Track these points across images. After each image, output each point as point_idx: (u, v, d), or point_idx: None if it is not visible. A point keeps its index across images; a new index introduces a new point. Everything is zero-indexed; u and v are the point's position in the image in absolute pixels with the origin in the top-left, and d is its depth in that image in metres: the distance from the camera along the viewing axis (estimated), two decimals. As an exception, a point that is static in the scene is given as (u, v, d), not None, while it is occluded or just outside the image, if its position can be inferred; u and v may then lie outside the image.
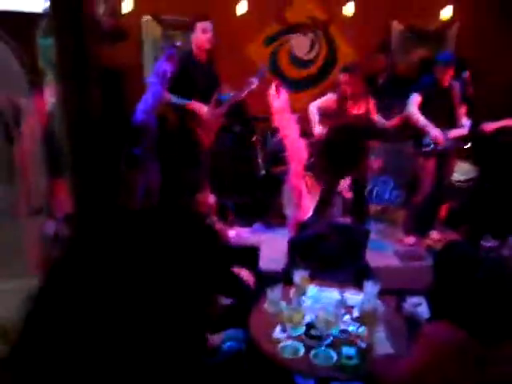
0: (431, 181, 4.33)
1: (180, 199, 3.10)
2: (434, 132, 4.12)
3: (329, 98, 4.18)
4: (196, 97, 3.92)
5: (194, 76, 3.90)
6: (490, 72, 5.13)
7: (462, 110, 4.24)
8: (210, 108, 3.98)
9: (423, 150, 4.26)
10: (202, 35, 3.91)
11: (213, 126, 4.07)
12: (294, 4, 5.66)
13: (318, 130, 4.05)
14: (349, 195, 4.57)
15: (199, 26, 3.95)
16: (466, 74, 4.01)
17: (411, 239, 4.50)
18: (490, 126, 4.08)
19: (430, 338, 1.69)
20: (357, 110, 4.08)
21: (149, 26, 5.54)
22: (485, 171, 4.53)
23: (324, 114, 4.15)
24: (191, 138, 3.93)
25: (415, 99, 4.22)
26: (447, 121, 4.18)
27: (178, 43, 3.82)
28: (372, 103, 4.22)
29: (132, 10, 5.25)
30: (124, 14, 5.24)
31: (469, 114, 4.21)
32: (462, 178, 5.02)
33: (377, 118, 4.26)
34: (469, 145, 4.40)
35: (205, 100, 3.97)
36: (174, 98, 3.83)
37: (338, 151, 4.14)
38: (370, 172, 4.58)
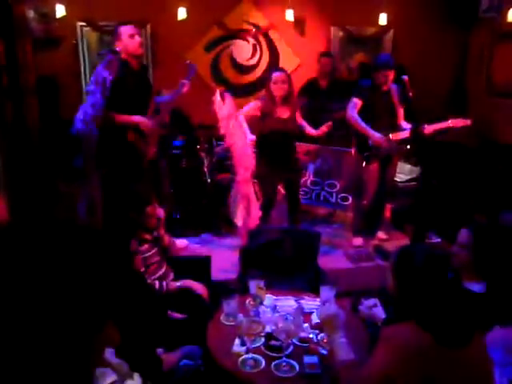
0: (376, 183, 4.40)
1: (127, 214, 2.94)
2: (375, 136, 4.16)
3: (254, 106, 4.08)
4: (132, 106, 3.72)
5: (129, 84, 3.69)
6: (425, 76, 5.34)
7: (401, 112, 4.33)
8: (149, 118, 3.79)
9: (365, 154, 4.31)
10: (129, 40, 3.63)
11: (154, 137, 3.90)
12: (234, 10, 5.63)
13: (250, 137, 4.00)
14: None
15: (123, 30, 3.63)
16: (405, 78, 4.08)
17: (359, 240, 4.56)
18: (429, 128, 4.18)
19: (392, 341, 1.67)
20: (284, 114, 4.03)
21: (84, 32, 5.32)
22: (427, 171, 4.66)
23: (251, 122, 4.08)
24: (134, 150, 3.73)
25: (355, 103, 4.24)
26: (388, 124, 4.24)
27: (118, 48, 3.60)
28: (298, 108, 4.18)
29: (65, 16, 5.03)
30: (57, 20, 5.02)
31: (409, 117, 4.30)
32: (404, 178, 5.17)
33: (303, 123, 4.24)
34: (409, 147, 4.52)
35: (141, 109, 3.77)
36: (113, 115, 3.61)
37: (269, 155, 4.09)
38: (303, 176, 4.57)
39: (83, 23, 5.29)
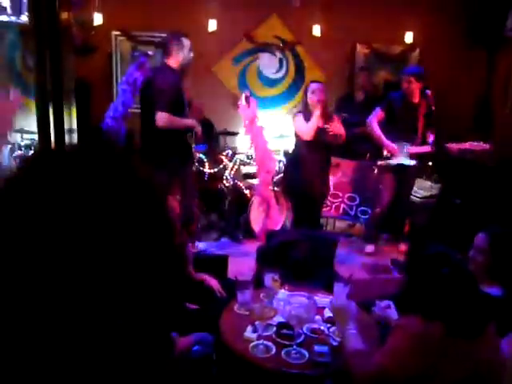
0: (390, 194, 4.43)
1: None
2: (389, 145, 4.26)
3: (316, 116, 3.94)
4: (179, 111, 3.82)
5: (180, 91, 3.83)
6: (450, 95, 5.37)
7: (427, 127, 4.35)
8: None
9: (378, 163, 4.39)
10: (188, 53, 3.83)
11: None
12: (262, 24, 5.79)
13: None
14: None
15: (187, 44, 3.82)
16: (429, 93, 4.15)
17: (370, 247, 4.62)
18: (454, 147, 4.24)
19: (406, 328, 1.69)
20: (320, 123, 4.00)
21: (118, 41, 5.54)
22: (449, 188, 4.66)
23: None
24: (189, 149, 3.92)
25: (377, 113, 4.36)
26: (410, 136, 4.30)
27: (150, 52, 3.77)
28: (332, 119, 4.11)
29: (102, 25, 5.25)
30: (94, 28, 5.24)
31: (431, 132, 4.32)
32: (423, 194, 5.15)
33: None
34: (431, 163, 4.54)
35: (181, 113, 3.90)
36: (171, 118, 3.68)
37: (311, 166, 4.09)
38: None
39: (118, 32, 5.51)
